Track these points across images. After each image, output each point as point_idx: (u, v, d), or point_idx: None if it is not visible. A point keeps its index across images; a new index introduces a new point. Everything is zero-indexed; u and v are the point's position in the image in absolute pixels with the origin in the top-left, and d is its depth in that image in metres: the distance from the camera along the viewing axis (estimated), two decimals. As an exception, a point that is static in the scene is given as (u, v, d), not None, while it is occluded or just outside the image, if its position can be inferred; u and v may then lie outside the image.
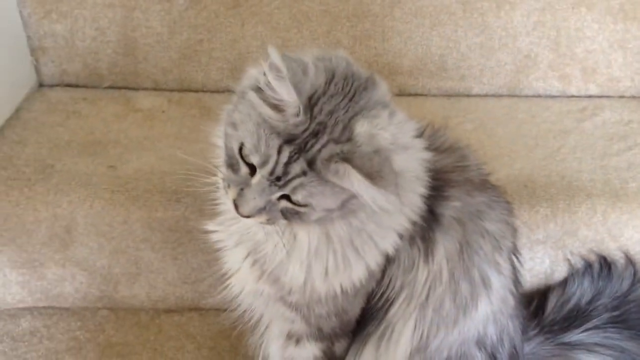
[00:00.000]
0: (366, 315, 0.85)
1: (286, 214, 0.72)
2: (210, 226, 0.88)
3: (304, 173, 0.69)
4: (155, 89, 1.43)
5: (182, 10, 1.36)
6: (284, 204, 0.71)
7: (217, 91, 1.43)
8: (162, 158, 1.22)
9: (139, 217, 1.13)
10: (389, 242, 0.78)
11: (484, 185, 0.86)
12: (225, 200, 0.77)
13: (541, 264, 1.17)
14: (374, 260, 0.78)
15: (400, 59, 1.40)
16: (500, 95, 1.43)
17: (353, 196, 0.70)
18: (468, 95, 1.43)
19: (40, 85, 1.43)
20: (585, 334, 1.08)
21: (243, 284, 0.85)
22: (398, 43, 1.39)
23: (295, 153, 0.69)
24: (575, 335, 1.08)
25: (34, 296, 1.21)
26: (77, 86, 1.43)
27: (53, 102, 1.37)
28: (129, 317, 1.22)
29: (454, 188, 0.82)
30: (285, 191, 0.70)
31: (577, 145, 1.26)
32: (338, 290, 0.79)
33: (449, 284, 0.81)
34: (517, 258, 0.90)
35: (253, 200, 0.71)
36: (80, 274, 1.19)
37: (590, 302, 1.12)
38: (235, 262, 0.85)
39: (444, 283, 0.81)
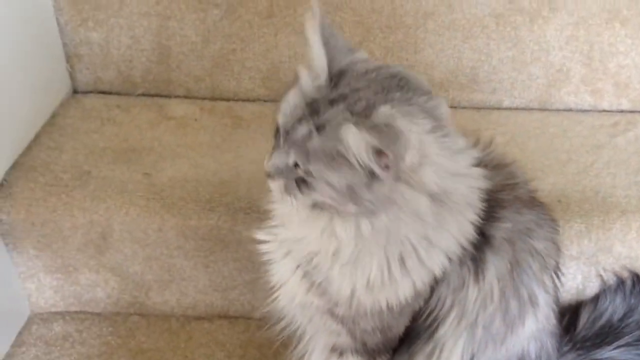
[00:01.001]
0: (411, 334, 0.85)
1: (299, 184, 0.73)
2: (260, 235, 0.87)
3: (309, 133, 0.69)
4: (187, 97, 1.44)
5: (216, 20, 1.37)
6: (299, 172, 0.72)
7: (249, 100, 1.45)
8: (196, 166, 1.23)
9: (173, 225, 1.14)
10: (436, 263, 0.78)
11: (533, 202, 0.86)
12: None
13: (573, 280, 1.16)
14: (420, 279, 0.78)
15: (431, 71, 1.40)
16: (531, 109, 1.42)
17: (359, 183, 0.69)
18: (499, 108, 1.43)
19: (75, 91, 1.45)
20: (617, 351, 1.08)
21: (292, 296, 0.85)
22: (430, 55, 1.39)
23: (309, 114, 0.70)
24: (607, 352, 1.07)
25: (67, 301, 1.23)
26: (110, 93, 1.44)
27: (87, 109, 1.38)
28: (160, 324, 1.23)
29: (504, 209, 0.82)
30: (292, 150, 0.71)
31: (611, 160, 1.25)
32: (384, 305, 0.79)
33: (500, 303, 0.82)
34: (558, 276, 0.90)
35: (274, 159, 0.74)
36: (113, 279, 1.20)
37: (622, 319, 1.11)
38: (284, 273, 0.85)
39: (495, 301, 0.81)
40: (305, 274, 0.82)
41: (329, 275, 0.79)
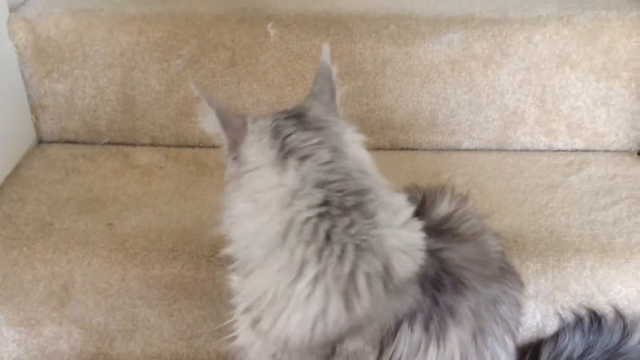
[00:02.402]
0: None
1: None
2: (232, 276, 0.88)
3: None
4: (152, 145, 1.46)
5: (179, 70, 1.40)
6: None
7: (213, 146, 1.45)
8: (160, 215, 1.24)
9: (136, 275, 1.15)
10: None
11: (502, 273, 0.87)
12: None
13: (532, 318, 1.18)
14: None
15: (391, 115, 1.44)
16: (490, 150, 1.46)
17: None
18: (458, 150, 1.47)
19: (39, 141, 1.46)
20: (577, 388, 1.10)
21: (241, 334, 0.86)
22: (389, 100, 1.43)
23: None
24: (568, 390, 1.09)
25: (30, 354, 1.21)
26: (75, 142, 1.46)
27: (52, 159, 1.39)
28: (125, 374, 1.23)
29: (468, 289, 0.82)
30: None
31: (565, 200, 1.29)
32: (289, 334, 0.80)
33: None
34: (518, 331, 0.92)
35: None
36: (76, 331, 1.20)
37: (582, 356, 1.13)
38: (239, 313, 0.87)
39: None
40: (248, 309, 0.83)
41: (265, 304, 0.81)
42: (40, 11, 1.38)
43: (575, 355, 1.13)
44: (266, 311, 0.81)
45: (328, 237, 0.78)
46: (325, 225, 0.78)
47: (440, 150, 1.47)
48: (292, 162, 0.79)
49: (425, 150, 1.47)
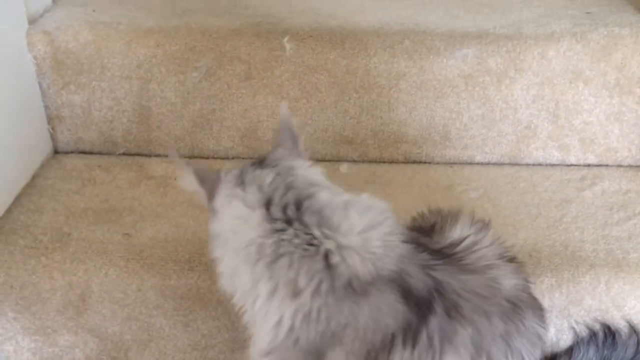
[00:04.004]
0: None
1: None
2: None
3: None
4: (167, 156, 1.47)
5: (196, 82, 1.41)
6: None
7: (228, 158, 1.48)
8: (176, 226, 1.25)
9: (153, 285, 1.15)
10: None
11: (516, 309, 0.86)
12: None
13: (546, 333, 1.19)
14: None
15: (405, 128, 1.45)
16: (502, 164, 1.47)
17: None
18: (471, 164, 1.47)
19: (56, 152, 1.47)
20: (592, 402, 1.09)
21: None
22: (403, 113, 1.44)
23: None
24: (582, 404, 1.09)
25: (45, 363, 1.22)
26: (91, 153, 1.47)
27: (68, 169, 1.41)
28: (139, 385, 1.23)
29: (465, 319, 0.82)
30: None
31: (579, 214, 1.29)
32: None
33: None
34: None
35: None
36: (92, 340, 1.20)
37: (596, 371, 1.13)
38: None
39: None
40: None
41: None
42: (59, 23, 1.40)
43: (590, 370, 1.13)
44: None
45: (277, 250, 0.84)
46: (272, 239, 0.84)
47: (453, 164, 1.48)
48: (239, 192, 0.88)
49: (438, 164, 1.48)
